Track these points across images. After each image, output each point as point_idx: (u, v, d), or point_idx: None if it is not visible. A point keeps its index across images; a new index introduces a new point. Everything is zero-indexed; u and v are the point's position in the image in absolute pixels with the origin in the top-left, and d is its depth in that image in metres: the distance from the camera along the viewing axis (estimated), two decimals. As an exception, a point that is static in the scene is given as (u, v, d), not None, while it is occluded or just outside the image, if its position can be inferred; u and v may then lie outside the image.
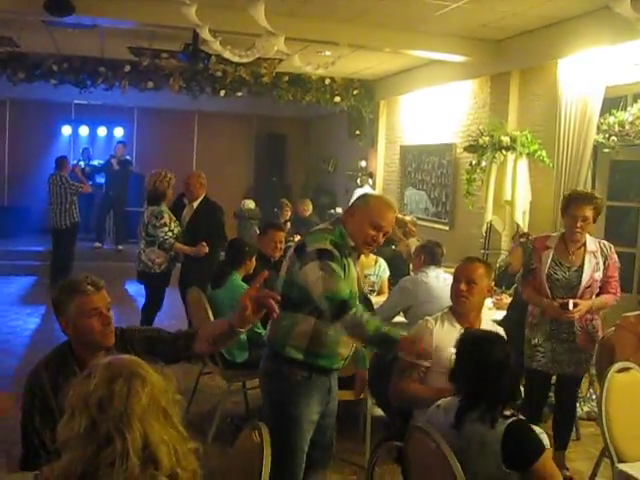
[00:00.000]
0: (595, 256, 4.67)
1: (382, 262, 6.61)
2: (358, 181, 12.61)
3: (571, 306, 4.48)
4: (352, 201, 3.64)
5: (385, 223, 3.46)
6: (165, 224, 7.12)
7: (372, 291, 6.23)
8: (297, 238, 9.32)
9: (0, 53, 10.62)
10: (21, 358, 7.12)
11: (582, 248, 4.68)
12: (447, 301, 3.92)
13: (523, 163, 8.02)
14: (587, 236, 4.70)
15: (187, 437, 1.78)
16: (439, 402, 3.01)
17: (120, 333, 2.88)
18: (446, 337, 3.64)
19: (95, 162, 14.02)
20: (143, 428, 1.66)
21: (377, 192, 3.27)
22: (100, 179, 13.48)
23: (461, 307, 3.77)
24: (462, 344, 3.05)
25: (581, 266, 4.64)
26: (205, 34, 5.20)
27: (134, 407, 1.67)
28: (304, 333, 3.37)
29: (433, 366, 3.60)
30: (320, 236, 3.42)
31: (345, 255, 3.39)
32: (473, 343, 3.01)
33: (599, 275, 4.67)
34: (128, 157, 13.65)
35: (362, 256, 4.95)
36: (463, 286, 3.73)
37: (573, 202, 4.61)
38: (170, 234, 7.11)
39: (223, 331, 2.84)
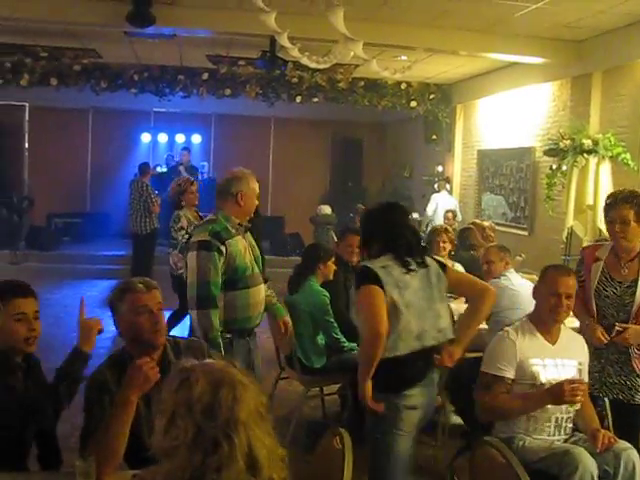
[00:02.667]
0: None
1: (458, 266, 6.53)
2: (435, 186, 12.51)
3: (614, 332, 3.91)
4: (224, 190, 4.17)
5: (257, 188, 4.25)
6: (182, 227, 7.23)
7: (449, 296, 6.14)
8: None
9: (84, 64, 11.00)
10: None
11: (637, 260, 4.03)
12: (530, 308, 3.81)
13: (606, 167, 7.83)
14: None
15: (277, 443, 1.79)
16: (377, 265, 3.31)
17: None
18: (529, 349, 3.54)
19: (164, 169, 14.21)
20: (247, 433, 1.67)
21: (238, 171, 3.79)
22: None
23: (559, 321, 3.62)
24: (372, 213, 3.67)
25: (635, 281, 4.00)
26: (284, 41, 5.25)
27: (240, 413, 1.68)
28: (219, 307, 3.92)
29: (517, 379, 3.51)
30: (203, 228, 4.07)
31: (231, 236, 4.00)
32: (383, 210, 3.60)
33: None
34: (192, 164, 13.87)
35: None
36: (564, 301, 3.54)
37: (610, 205, 4.03)
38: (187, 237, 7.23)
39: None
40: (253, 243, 4.28)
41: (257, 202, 4.29)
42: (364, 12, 7.61)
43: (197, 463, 1.64)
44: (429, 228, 11.66)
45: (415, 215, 13.50)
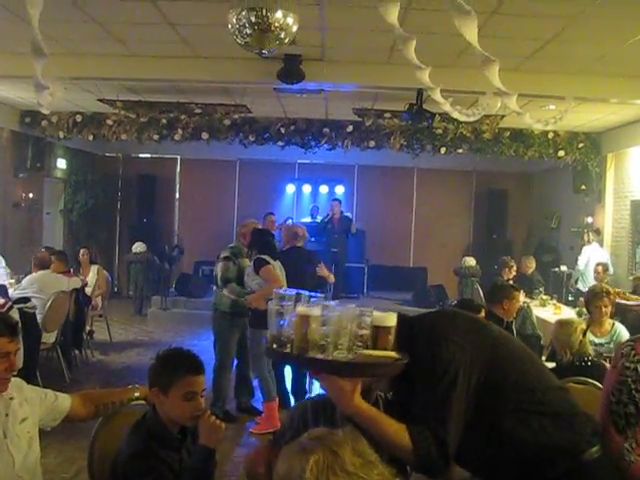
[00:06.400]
0: None
1: (618, 326, 6.21)
2: (585, 238, 12.07)
3: None
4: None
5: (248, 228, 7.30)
6: None
7: (607, 358, 5.83)
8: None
9: (234, 119, 11.52)
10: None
11: None
12: None
13: None
14: None
15: None
16: None
17: None
18: None
19: (319, 218, 14.47)
20: None
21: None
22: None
23: None
24: (256, 232, 7.14)
25: None
26: (437, 96, 5.29)
27: None
28: (228, 299, 6.99)
29: None
30: (227, 250, 7.16)
31: (242, 256, 7.16)
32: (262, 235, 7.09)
33: None
34: (346, 214, 14.03)
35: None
36: None
37: None
38: None
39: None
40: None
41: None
42: (513, 63, 7.57)
43: None
44: (579, 283, 11.26)
45: (563, 268, 13.09)
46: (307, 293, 2.41)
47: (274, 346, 2.32)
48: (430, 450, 2.25)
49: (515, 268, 10.23)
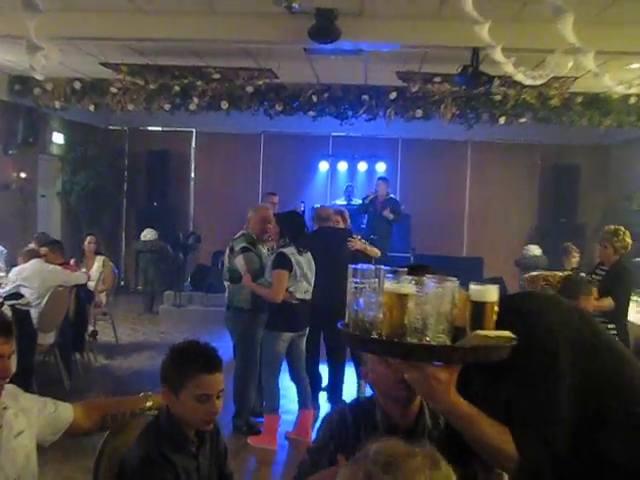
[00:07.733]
0: None
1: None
2: (673, 221, 11.88)
3: None
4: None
5: (268, 217, 7.25)
6: None
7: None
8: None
9: (258, 85, 11.46)
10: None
11: None
12: None
13: None
14: None
15: None
16: None
17: None
18: None
19: (357, 201, 14.34)
20: None
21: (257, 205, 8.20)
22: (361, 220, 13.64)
23: None
24: (287, 216, 7.29)
25: None
26: (497, 55, 5.21)
27: None
28: (248, 294, 7.01)
29: None
30: (241, 240, 7.10)
31: (255, 245, 7.12)
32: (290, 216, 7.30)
33: None
34: (393, 195, 13.89)
35: None
36: None
37: None
38: None
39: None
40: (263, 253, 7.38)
41: (268, 226, 7.20)
42: (589, 13, 7.40)
43: None
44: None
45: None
46: (383, 267, 2.28)
47: (357, 333, 2.20)
48: (538, 457, 2.17)
49: (578, 256, 10.12)
